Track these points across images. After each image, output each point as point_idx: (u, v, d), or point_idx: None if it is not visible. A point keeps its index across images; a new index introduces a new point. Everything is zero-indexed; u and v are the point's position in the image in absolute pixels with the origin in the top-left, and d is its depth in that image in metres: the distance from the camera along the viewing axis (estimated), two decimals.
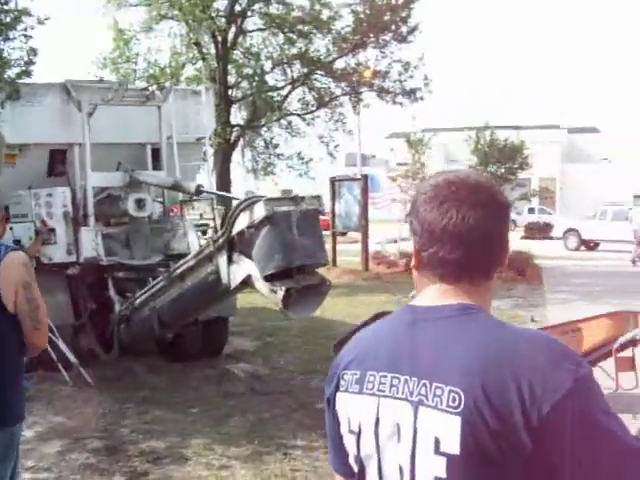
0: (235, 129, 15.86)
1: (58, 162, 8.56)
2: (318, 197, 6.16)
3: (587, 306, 13.34)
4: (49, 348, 7.39)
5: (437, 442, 1.36)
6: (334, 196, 19.34)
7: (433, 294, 1.49)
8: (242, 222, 5.77)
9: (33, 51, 8.58)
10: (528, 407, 1.28)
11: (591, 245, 28.63)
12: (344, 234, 23.72)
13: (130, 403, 7.26)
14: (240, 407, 7.23)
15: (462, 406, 1.33)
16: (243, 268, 5.87)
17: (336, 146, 17.59)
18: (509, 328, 1.46)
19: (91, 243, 7.97)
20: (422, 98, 16.72)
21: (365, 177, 19.22)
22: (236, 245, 5.94)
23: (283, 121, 17.15)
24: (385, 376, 1.46)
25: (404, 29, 16.40)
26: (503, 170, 19.17)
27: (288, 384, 8.15)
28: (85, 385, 7.60)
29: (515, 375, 1.31)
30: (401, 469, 1.42)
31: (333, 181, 19.41)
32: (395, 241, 24.30)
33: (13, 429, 3.13)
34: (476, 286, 1.49)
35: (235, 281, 6.00)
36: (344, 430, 1.54)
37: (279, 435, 6.29)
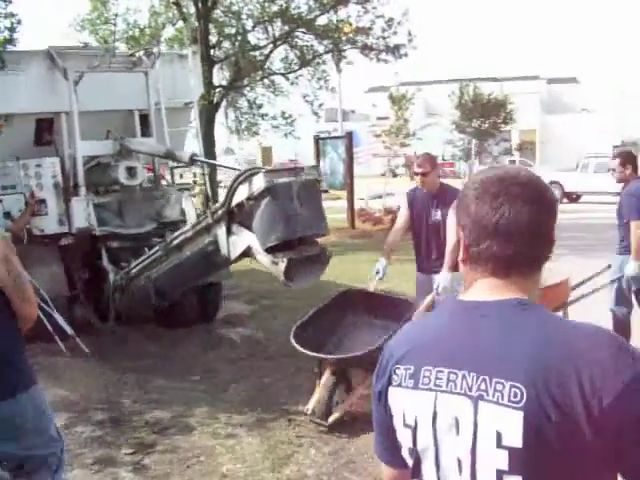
0: (218, 90, 15.66)
1: (45, 131, 8.41)
2: (316, 167, 6.13)
3: (578, 260, 13.46)
4: (44, 320, 7.38)
5: (499, 436, 1.39)
6: (318, 154, 19.27)
7: (486, 289, 1.53)
8: (241, 194, 5.73)
9: (14, 17, 8.34)
10: (589, 399, 1.32)
11: (574, 197, 28.79)
12: (326, 191, 23.72)
13: (130, 372, 7.26)
14: (240, 373, 7.27)
15: (524, 401, 1.36)
16: (243, 239, 5.84)
17: (320, 105, 17.46)
18: (568, 323, 1.53)
19: (83, 213, 7.89)
20: (406, 54, 16.59)
21: (350, 135, 19.11)
22: (235, 216, 5.90)
23: (266, 81, 16.96)
24: (442, 371, 1.49)
25: None
26: (487, 125, 19.09)
27: (285, 347, 8.14)
28: (83, 355, 7.59)
29: (576, 369, 1.35)
30: (460, 461, 1.45)
31: (317, 139, 19.31)
32: (379, 196, 24.34)
33: (36, 387, 3.15)
34: (525, 280, 1.53)
35: (235, 252, 5.98)
36: (398, 424, 1.56)
37: (281, 401, 6.34)
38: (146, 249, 7.36)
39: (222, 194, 7.15)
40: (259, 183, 5.55)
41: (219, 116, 16.41)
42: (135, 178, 8.07)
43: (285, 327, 9.03)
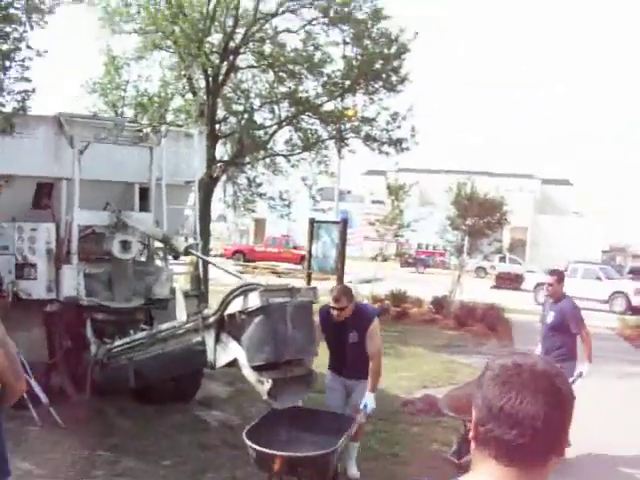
0: (219, 164, 15.81)
1: (44, 195, 8.44)
2: (314, 288, 6.15)
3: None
4: None
5: None
6: (312, 237, 19.34)
7: (487, 477, 1.53)
8: (235, 306, 5.73)
9: (29, 81, 8.44)
10: None
11: None
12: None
13: (100, 450, 7.10)
14: (213, 461, 7.12)
15: None
16: (231, 351, 5.83)
17: (319, 190, 17.61)
18: None
19: (72, 282, 7.85)
20: (408, 149, 16.83)
21: (344, 222, 19.23)
22: (226, 326, 5.89)
23: (267, 160, 17.14)
24: None
25: (394, 78, 16.55)
26: (481, 224, 19.28)
27: None
28: (55, 426, 7.44)
29: None
30: None
31: (312, 222, 19.41)
32: (368, 281, 24.36)
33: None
34: (530, 473, 1.51)
35: (220, 362, 5.96)
36: None
37: None
38: (131, 331, 7.28)
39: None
40: (254, 300, 5.55)
41: (217, 190, 16.51)
42: (129, 252, 8.06)
43: (261, 415, 8.92)
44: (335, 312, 6.44)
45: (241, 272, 35.32)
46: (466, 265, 22.21)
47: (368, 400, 6.47)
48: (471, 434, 1.57)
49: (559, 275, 8.35)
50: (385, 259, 34.03)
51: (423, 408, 9.54)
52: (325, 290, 20.17)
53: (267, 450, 5.30)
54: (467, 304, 20.14)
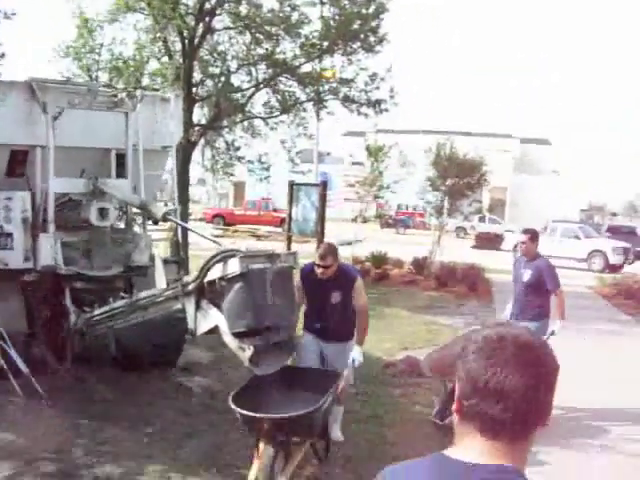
0: (197, 128, 15.63)
1: (18, 163, 8.26)
2: (294, 253, 6.09)
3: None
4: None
5: None
6: (291, 200, 19.25)
7: (471, 451, 1.51)
8: (215, 273, 5.68)
9: None
10: None
11: None
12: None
13: (83, 418, 7.07)
14: (196, 427, 7.13)
15: None
16: (211, 318, 5.79)
17: (298, 152, 17.48)
18: None
19: (50, 251, 7.73)
20: (387, 110, 16.72)
21: (324, 184, 19.13)
22: (205, 292, 5.84)
23: (245, 123, 16.97)
24: None
25: (373, 39, 16.37)
26: (461, 184, 19.27)
27: None
28: (36, 397, 7.40)
29: None
30: None
31: (292, 185, 19.30)
32: (349, 243, 24.36)
33: None
34: (514, 445, 1.51)
35: (201, 329, 5.93)
36: None
37: (236, 464, 6.19)
38: (111, 299, 7.21)
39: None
40: (234, 267, 5.50)
41: (195, 154, 16.35)
42: (106, 219, 7.95)
43: (243, 380, 8.92)
44: (320, 270, 6.41)
45: (221, 236, 35.32)
46: (446, 226, 22.25)
47: (355, 354, 6.48)
48: (454, 407, 1.55)
49: (533, 234, 8.45)
50: (365, 220, 34.06)
51: (405, 370, 9.51)
52: (306, 253, 20.28)
53: (250, 413, 5.30)
54: (447, 265, 20.23)
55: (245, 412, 5.27)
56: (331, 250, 6.47)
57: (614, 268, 27.31)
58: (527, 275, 8.27)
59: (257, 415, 5.30)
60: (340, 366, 6.61)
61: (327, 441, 5.97)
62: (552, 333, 7.99)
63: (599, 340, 13.19)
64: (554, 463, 6.59)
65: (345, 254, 22.39)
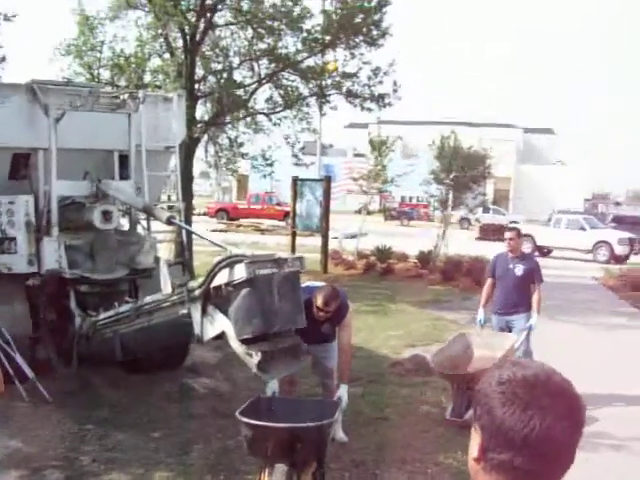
0: (199, 125, 15.55)
1: (21, 166, 8.21)
2: (300, 258, 6.02)
3: (545, 323, 13.48)
4: (5, 361, 7.16)
5: None
6: (295, 195, 19.24)
7: None
8: (221, 278, 5.61)
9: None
10: None
11: (545, 251, 29.04)
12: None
13: (90, 424, 7.04)
14: (203, 432, 7.08)
15: None
16: (218, 324, 5.72)
17: (302, 148, 17.40)
18: None
19: (54, 254, 7.69)
20: (390, 104, 16.64)
21: (328, 179, 19.13)
22: (212, 298, 5.78)
23: (248, 119, 16.89)
24: None
25: (375, 32, 16.27)
26: (465, 178, 19.18)
27: None
28: (42, 401, 7.37)
29: None
30: None
31: (295, 180, 19.28)
32: (354, 236, 24.29)
33: None
34: None
35: (208, 335, 5.86)
36: None
37: (244, 469, 6.14)
38: (116, 302, 7.16)
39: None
40: (240, 272, 5.43)
41: (199, 150, 16.28)
42: (110, 222, 7.90)
43: (250, 380, 8.89)
44: (321, 314, 6.39)
45: (225, 230, 35.26)
46: (450, 217, 22.17)
47: (342, 392, 6.37)
48: (476, 456, 1.47)
49: (518, 231, 8.95)
50: (369, 213, 33.95)
51: (412, 368, 9.55)
52: (310, 247, 20.28)
53: (265, 423, 5.14)
54: (452, 258, 20.15)
55: (260, 422, 5.12)
56: (334, 296, 6.38)
57: (620, 259, 27.20)
58: (520, 270, 8.59)
59: (273, 425, 5.15)
60: (329, 363, 6.82)
61: (323, 473, 5.62)
62: (531, 328, 8.47)
63: (605, 334, 13.11)
64: None
65: (350, 248, 22.37)
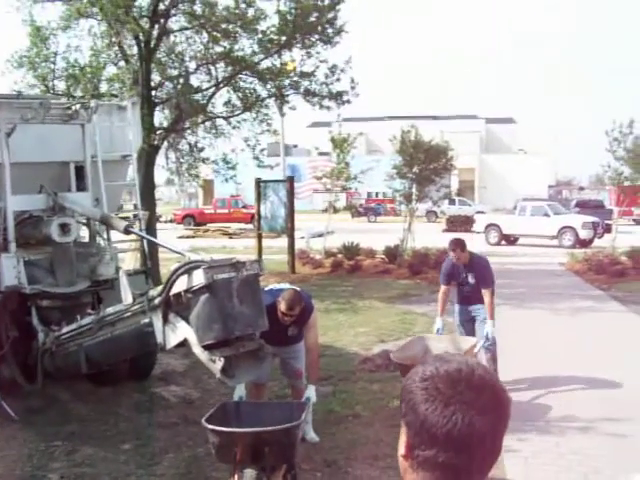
0: (159, 132, 15.43)
1: None
2: (259, 260, 6.01)
3: (512, 311, 13.62)
4: None
5: None
6: (259, 197, 19.19)
7: None
8: (180, 285, 5.59)
9: None
10: None
11: (511, 239, 29.34)
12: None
13: (58, 440, 6.95)
14: (174, 441, 7.02)
15: None
16: (179, 331, 5.69)
17: (262, 150, 17.34)
18: None
19: (12, 271, 7.58)
20: (349, 101, 16.67)
21: (291, 179, 19.11)
22: (172, 305, 5.74)
23: (208, 123, 16.80)
24: None
25: (330, 30, 16.29)
26: (428, 171, 19.28)
27: None
28: (8, 420, 7.27)
29: None
30: None
31: (258, 182, 19.23)
32: (320, 235, 24.30)
33: None
34: None
35: (170, 343, 5.83)
36: None
37: (215, 476, 6.11)
38: (78, 315, 7.09)
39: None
40: (199, 278, 5.41)
41: (159, 158, 16.16)
42: (69, 235, 7.79)
43: (221, 386, 8.85)
44: (286, 318, 6.41)
45: (192, 236, 35.07)
46: (416, 211, 22.25)
47: (310, 392, 6.40)
48: (402, 452, 1.44)
49: (460, 244, 8.53)
50: (336, 211, 34.00)
51: (382, 364, 9.57)
52: (277, 248, 20.24)
53: (232, 429, 5.15)
54: (419, 251, 20.23)
55: (225, 429, 5.12)
56: (298, 299, 6.38)
57: (584, 243, 27.53)
58: (472, 278, 8.56)
59: (239, 430, 5.17)
60: (297, 365, 6.89)
61: (295, 475, 5.58)
62: (487, 337, 8.35)
63: (571, 317, 13.26)
64: (532, 447, 6.60)
65: (317, 247, 22.38)
